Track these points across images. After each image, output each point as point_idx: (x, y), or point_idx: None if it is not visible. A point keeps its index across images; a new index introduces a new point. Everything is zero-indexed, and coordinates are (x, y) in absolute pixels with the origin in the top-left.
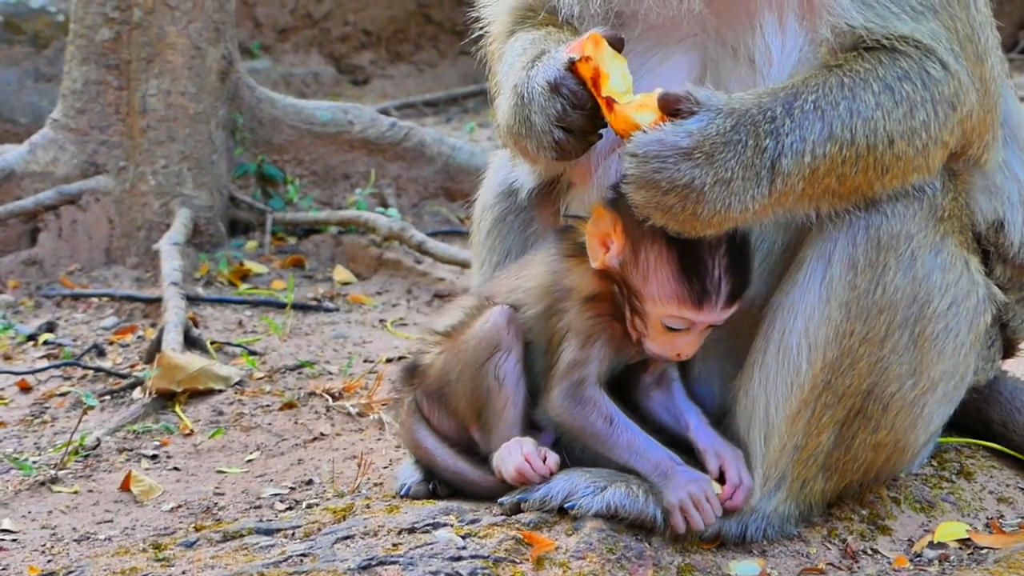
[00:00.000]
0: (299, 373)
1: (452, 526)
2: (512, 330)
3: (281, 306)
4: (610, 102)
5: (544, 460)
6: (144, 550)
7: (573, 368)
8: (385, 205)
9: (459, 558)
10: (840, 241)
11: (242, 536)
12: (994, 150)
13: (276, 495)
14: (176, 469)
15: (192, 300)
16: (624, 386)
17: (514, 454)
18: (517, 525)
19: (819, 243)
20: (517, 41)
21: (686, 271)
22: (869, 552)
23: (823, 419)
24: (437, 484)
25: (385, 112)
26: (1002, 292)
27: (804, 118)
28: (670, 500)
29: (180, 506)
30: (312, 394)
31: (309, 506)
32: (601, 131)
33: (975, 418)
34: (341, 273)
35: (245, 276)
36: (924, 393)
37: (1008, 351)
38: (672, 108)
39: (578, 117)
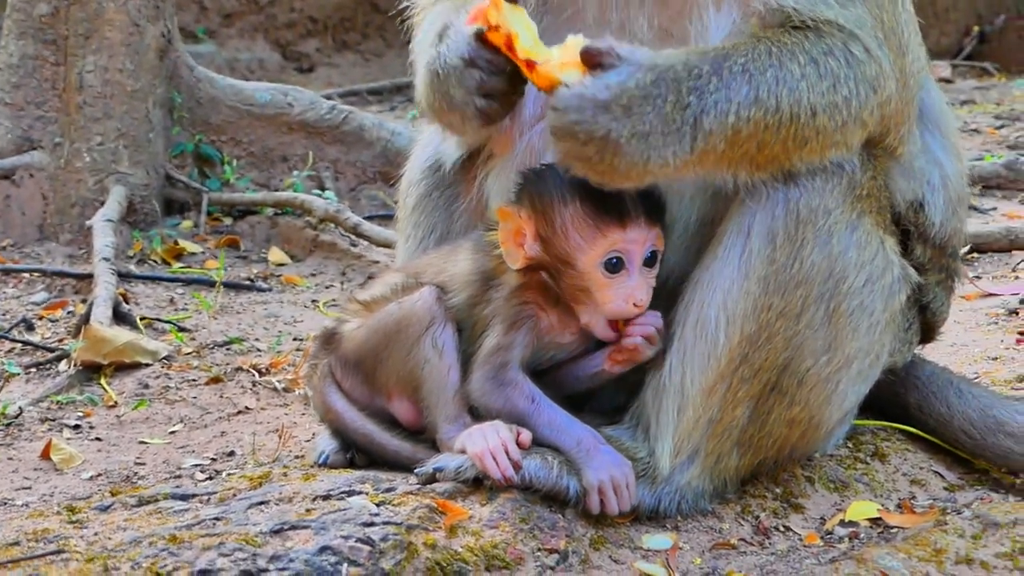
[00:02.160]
0: (227, 349)
1: (367, 494)
2: (442, 307)
3: (213, 284)
4: (530, 63)
5: (518, 437)
6: (58, 513)
7: (496, 352)
8: (322, 188)
9: (372, 524)
10: (759, 214)
11: (157, 501)
12: (909, 143)
13: (197, 465)
14: (98, 439)
15: (124, 277)
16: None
17: (489, 438)
18: (432, 494)
19: (738, 216)
20: (432, 12)
21: (600, 203)
22: (781, 529)
23: (739, 393)
24: (355, 454)
25: (329, 99)
26: (922, 273)
27: (732, 79)
28: (589, 479)
29: (99, 475)
30: (239, 369)
31: (229, 476)
32: (523, 88)
33: (892, 402)
34: (276, 254)
35: (179, 255)
36: (839, 369)
37: (927, 334)
38: (595, 62)
39: (498, 82)
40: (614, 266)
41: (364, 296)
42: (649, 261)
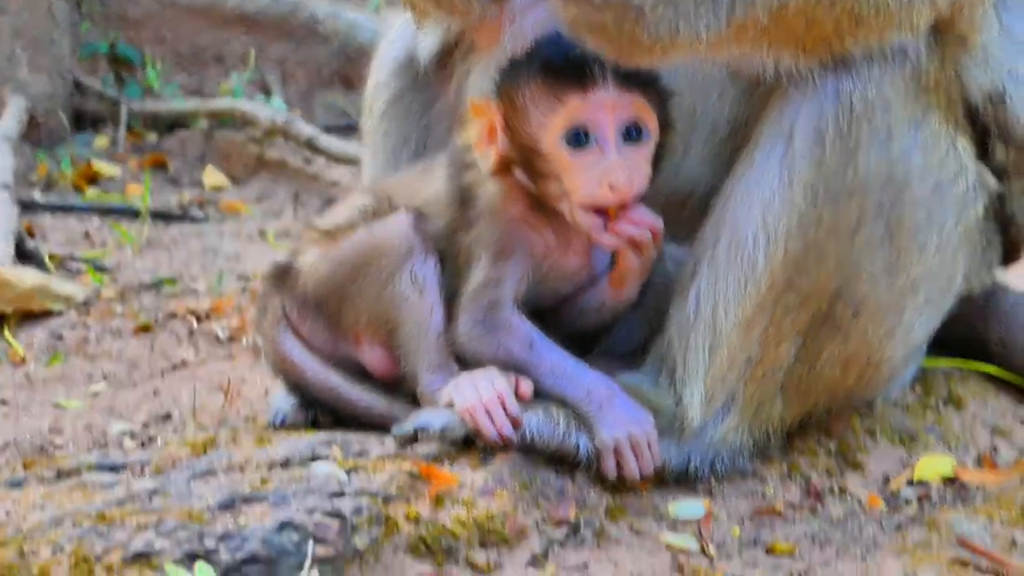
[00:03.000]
0: (157, 292)
1: (334, 459)
2: (421, 235)
3: (136, 214)
4: None
5: (518, 387)
6: None
7: (485, 288)
8: (268, 94)
9: (341, 494)
10: (804, 109)
11: (80, 473)
12: (984, 28)
13: (125, 432)
14: (3, 403)
15: (27, 207)
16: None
17: (482, 389)
18: (413, 458)
19: (779, 113)
20: None
21: (559, 68)
22: (836, 491)
23: (783, 327)
24: (318, 412)
25: None
26: (1004, 179)
27: None
28: (603, 438)
29: (7, 445)
30: (173, 316)
31: (166, 443)
32: None
33: (968, 337)
34: (212, 176)
35: (93, 179)
36: (902, 296)
37: (1011, 254)
38: None
39: None
40: (578, 140)
41: (325, 223)
42: (631, 136)
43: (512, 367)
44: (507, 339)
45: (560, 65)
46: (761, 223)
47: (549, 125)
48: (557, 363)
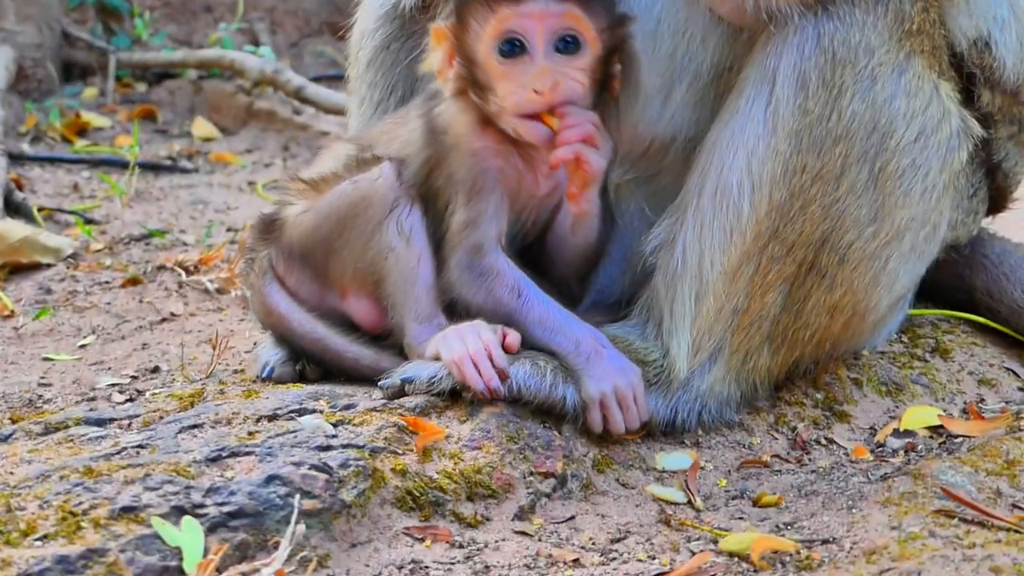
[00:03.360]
0: (146, 244)
1: (321, 412)
2: (407, 186)
3: (125, 165)
4: None
5: (504, 339)
6: None
7: (466, 230)
8: (256, 44)
9: (328, 448)
10: (787, 54)
11: (67, 427)
12: None
13: (114, 385)
14: None
15: (16, 159)
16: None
17: (469, 341)
18: (400, 411)
19: (762, 58)
20: None
21: None
22: (823, 442)
23: (769, 275)
24: (306, 365)
25: None
26: (989, 126)
27: None
28: (589, 391)
29: None
30: (162, 268)
31: (154, 396)
32: None
33: (955, 286)
34: (202, 126)
35: (82, 130)
36: (888, 244)
37: (998, 203)
38: None
39: None
40: (510, 50)
41: (310, 174)
42: (566, 47)
43: (501, 317)
44: (495, 285)
45: None
46: (746, 171)
47: (484, 36)
48: (546, 313)
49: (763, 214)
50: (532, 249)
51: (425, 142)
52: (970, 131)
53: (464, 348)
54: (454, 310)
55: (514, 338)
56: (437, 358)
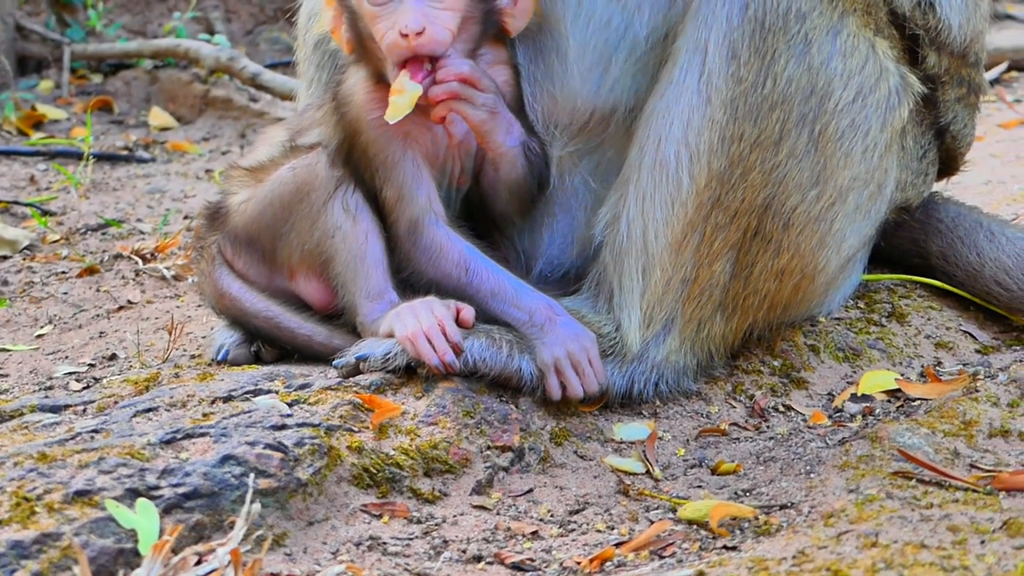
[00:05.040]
0: (103, 234)
1: (276, 392)
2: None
3: (82, 156)
4: None
5: (458, 314)
6: None
7: (397, 207)
8: (211, 32)
9: (283, 427)
10: (716, 25)
11: (22, 415)
12: None
13: (71, 374)
14: None
15: None
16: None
17: (422, 317)
18: (355, 388)
19: (693, 29)
20: None
21: None
22: (781, 409)
23: (714, 244)
24: (261, 346)
25: None
26: (938, 87)
27: None
28: (544, 358)
29: None
30: (118, 257)
31: (110, 382)
32: None
33: (910, 251)
34: (158, 116)
35: (38, 123)
36: (832, 205)
37: (949, 165)
38: None
39: None
40: None
41: (249, 162)
42: None
43: (453, 292)
44: (440, 261)
45: None
46: (683, 142)
47: None
48: (497, 285)
49: (703, 184)
50: (472, 191)
51: (335, 124)
52: (910, 88)
53: (417, 324)
54: (410, 287)
55: (468, 313)
56: (391, 335)
